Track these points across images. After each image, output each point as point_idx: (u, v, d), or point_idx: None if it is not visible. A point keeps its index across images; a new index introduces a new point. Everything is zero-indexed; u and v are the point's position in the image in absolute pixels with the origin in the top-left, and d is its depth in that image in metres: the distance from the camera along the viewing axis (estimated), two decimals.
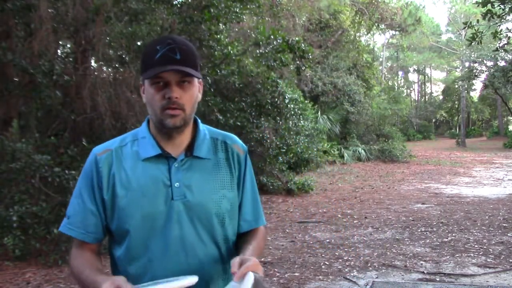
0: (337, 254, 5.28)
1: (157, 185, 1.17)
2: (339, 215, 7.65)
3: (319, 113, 15.98)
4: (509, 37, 9.13)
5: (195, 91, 1.20)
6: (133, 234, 1.17)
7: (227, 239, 1.26)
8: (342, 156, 16.23)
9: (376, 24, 22.85)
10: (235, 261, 1.07)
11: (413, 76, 53.81)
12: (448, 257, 5.03)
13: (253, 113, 8.27)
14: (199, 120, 1.28)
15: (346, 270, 4.68)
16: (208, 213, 1.20)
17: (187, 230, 1.18)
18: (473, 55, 27.61)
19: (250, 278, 1.02)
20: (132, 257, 1.19)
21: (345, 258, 5.10)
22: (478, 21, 9.54)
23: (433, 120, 46.71)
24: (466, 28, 9.24)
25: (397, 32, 28.17)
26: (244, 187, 1.30)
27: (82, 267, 1.15)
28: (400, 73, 50.50)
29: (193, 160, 1.22)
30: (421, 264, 4.80)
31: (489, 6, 7.93)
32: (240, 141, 1.33)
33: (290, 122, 9.29)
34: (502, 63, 23.99)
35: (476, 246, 5.47)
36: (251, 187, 1.32)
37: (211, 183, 1.22)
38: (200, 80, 1.23)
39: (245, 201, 1.30)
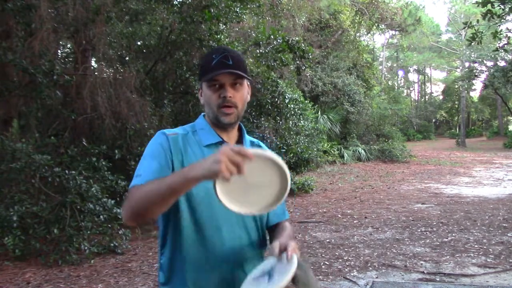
0: (337, 254, 5.28)
1: None
2: (339, 215, 7.65)
3: (319, 113, 15.97)
4: (509, 37, 9.13)
5: (245, 91, 1.43)
6: (199, 204, 1.34)
7: (262, 225, 1.48)
8: (342, 156, 16.23)
9: (376, 24, 22.84)
10: (275, 244, 1.28)
11: (413, 76, 53.87)
12: (448, 257, 5.03)
13: (253, 113, 8.28)
14: (241, 124, 1.51)
15: (346, 270, 4.68)
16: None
17: None
18: (473, 55, 27.64)
19: (295, 260, 1.15)
20: (195, 224, 1.34)
21: (345, 258, 5.10)
22: (478, 21, 9.54)
23: (433, 120, 46.71)
24: (466, 28, 9.24)
25: (397, 32, 28.15)
26: None
27: (152, 183, 1.20)
28: (400, 72, 50.52)
29: None
30: (421, 264, 4.80)
31: (489, 6, 7.92)
32: (266, 147, 1.55)
33: (290, 122, 9.30)
34: (502, 63, 23.99)
35: (476, 246, 5.47)
36: None
37: None
38: (249, 83, 1.46)
39: None
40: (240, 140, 1.47)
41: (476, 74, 26.44)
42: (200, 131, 1.42)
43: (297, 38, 8.50)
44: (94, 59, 7.78)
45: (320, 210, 8.18)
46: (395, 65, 47.84)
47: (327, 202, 9.08)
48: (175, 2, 7.56)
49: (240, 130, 1.49)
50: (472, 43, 8.97)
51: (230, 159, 1.03)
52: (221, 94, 1.36)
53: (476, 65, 26.84)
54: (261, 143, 1.58)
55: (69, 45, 8.44)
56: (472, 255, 5.10)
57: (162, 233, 1.40)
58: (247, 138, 1.51)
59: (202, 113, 1.49)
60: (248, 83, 1.45)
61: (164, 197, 1.14)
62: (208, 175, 1.05)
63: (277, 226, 1.51)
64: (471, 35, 8.70)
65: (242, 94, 1.40)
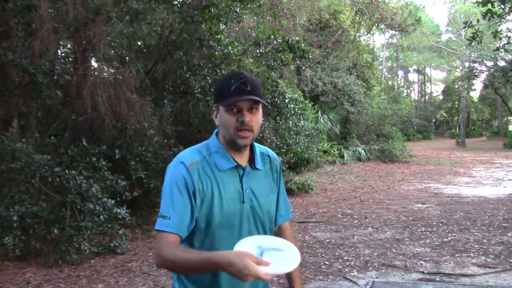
0: (337, 254, 5.28)
1: (234, 190, 1.47)
2: (339, 215, 7.65)
3: (319, 113, 15.97)
4: (509, 37, 9.11)
5: (260, 115, 1.50)
6: (216, 227, 1.44)
7: (272, 232, 1.61)
8: (342, 156, 16.23)
9: (376, 24, 22.84)
10: None
11: (413, 76, 53.86)
12: (448, 257, 5.03)
13: None
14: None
15: (346, 270, 4.68)
16: (265, 212, 1.55)
17: (252, 226, 1.51)
18: (473, 55, 27.62)
19: None
20: (211, 245, 1.45)
21: (345, 258, 5.10)
22: (478, 20, 9.54)
23: (433, 120, 46.70)
24: (466, 28, 9.24)
25: (397, 32, 28.15)
26: (280, 189, 1.65)
27: (187, 252, 1.34)
28: (400, 72, 50.50)
29: (254, 171, 1.53)
30: (421, 264, 4.81)
31: (489, 5, 7.91)
32: (274, 153, 1.68)
33: (290, 122, 9.29)
34: (502, 63, 23.98)
35: (476, 246, 5.47)
36: (283, 188, 1.68)
37: (265, 189, 1.56)
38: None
39: (280, 200, 1.66)
40: (252, 159, 1.54)
41: (476, 74, 26.43)
42: (215, 155, 1.48)
43: (297, 38, 8.48)
44: (94, 59, 7.77)
45: (320, 210, 8.17)
46: (395, 65, 47.82)
47: (327, 202, 9.07)
48: (175, 2, 7.55)
49: (251, 146, 1.55)
50: (472, 43, 8.96)
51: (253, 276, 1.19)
52: (239, 118, 1.42)
53: (476, 65, 26.83)
54: (269, 151, 1.65)
55: (69, 45, 8.44)
56: (472, 255, 5.10)
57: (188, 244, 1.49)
58: (258, 152, 1.57)
59: (215, 131, 1.54)
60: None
61: (193, 270, 1.32)
62: (233, 275, 1.23)
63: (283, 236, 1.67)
64: (471, 35, 8.69)
65: (258, 118, 1.47)
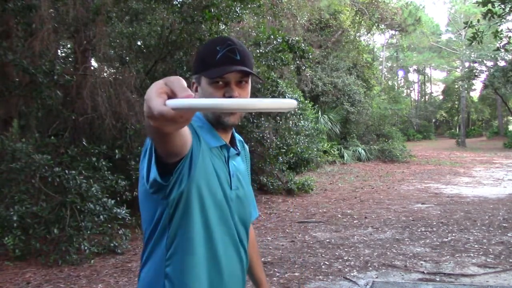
0: (337, 254, 5.28)
1: (224, 173, 1.23)
2: (339, 215, 7.65)
3: (319, 113, 15.97)
4: (509, 37, 9.11)
5: (249, 90, 1.25)
6: (211, 210, 1.19)
7: (248, 229, 1.37)
8: (342, 156, 16.23)
9: (376, 24, 22.85)
10: None
11: (413, 76, 53.86)
12: (448, 257, 5.03)
13: (253, 113, 8.28)
14: None
15: (346, 270, 4.68)
16: (248, 204, 1.33)
17: (242, 215, 1.29)
18: (473, 55, 27.64)
19: None
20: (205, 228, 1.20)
21: (345, 258, 5.10)
22: (478, 21, 9.54)
23: (433, 120, 46.71)
24: (467, 28, 9.26)
25: (397, 32, 28.17)
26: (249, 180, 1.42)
27: None
28: (400, 72, 50.51)
29: (236, 155, 1.31)
30: (421, 264, 4.81)
31: (489, 6, 7.91)
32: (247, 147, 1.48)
33: (290, 122, 9.30)
34: (502, 63, 24.00)
35: (476, 246, 5.47)
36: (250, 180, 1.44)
37: (246, 176, 1.35)
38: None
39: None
40: (232, 139, 1.32)
41: (476, 74, 26.45)
42: (200, 129, 1.18)
43: (297, 38, 8.51)
44: (94, 59, 7.78)
45: (320, 210, 8.17)
46: (395, 65, 47.83)
47: (327, 202, 9.07)
48: (175, 2, 7.55)
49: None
50: (473, 43, 8.97)
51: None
52: (226, 93, 1.18)
53: (476, 65, 26.85)
54: (240, 136, 1.42)
55: (69, 45, 8.45)
56: (472, 255, 5.10)
57: (170, 240, 1.21)
58: (236, 136, 1.37)
59: None
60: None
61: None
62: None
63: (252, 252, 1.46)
64: (472, 35, 8.70)
65: (247, 93, 1.23)
